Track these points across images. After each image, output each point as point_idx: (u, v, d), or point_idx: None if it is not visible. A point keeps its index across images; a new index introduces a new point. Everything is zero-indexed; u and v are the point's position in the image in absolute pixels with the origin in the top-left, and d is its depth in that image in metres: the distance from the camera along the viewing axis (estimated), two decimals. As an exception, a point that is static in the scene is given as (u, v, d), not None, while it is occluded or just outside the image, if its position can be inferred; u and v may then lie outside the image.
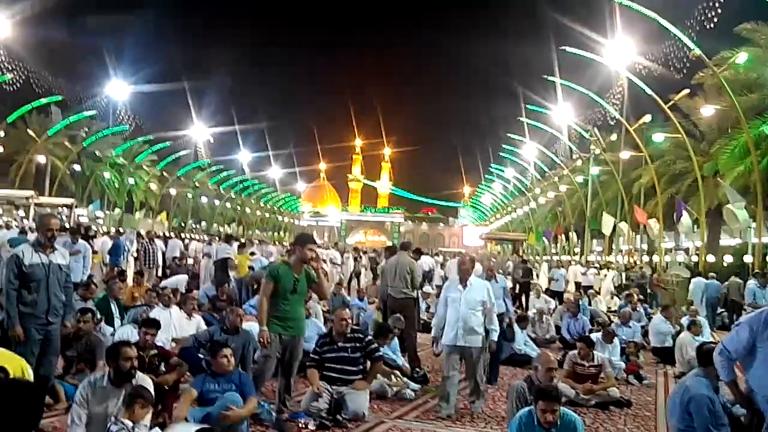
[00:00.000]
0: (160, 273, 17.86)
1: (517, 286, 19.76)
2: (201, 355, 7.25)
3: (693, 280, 19.64)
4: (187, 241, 26.39)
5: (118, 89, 43.74)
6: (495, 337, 7.46)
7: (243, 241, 22.64)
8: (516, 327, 11.11)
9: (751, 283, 16.40)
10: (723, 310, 18.28)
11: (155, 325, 6.85)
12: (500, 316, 8.73)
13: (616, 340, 10.36)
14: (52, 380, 6.25)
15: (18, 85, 35.47)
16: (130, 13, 71.51)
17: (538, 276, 24.74)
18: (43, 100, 38.37)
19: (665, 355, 11.64)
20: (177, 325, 8.89)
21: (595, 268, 26.91)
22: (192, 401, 5.59)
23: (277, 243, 38.04)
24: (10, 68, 34.30)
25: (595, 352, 8.68)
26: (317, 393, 6.58)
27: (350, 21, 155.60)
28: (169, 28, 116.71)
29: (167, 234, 31.30)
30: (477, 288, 7.31)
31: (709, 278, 18.71)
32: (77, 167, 46.35)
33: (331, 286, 16.26)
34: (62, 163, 42.79)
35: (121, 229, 28.02)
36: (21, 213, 29.34)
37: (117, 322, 9.04)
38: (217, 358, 5.80)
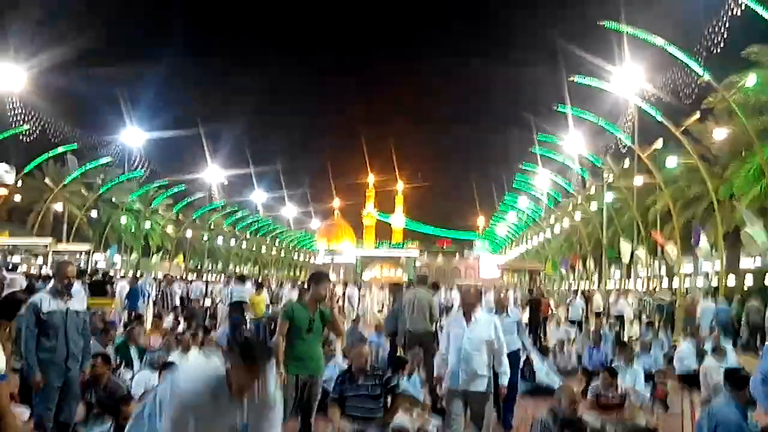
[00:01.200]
0: (179, 317, 17.91)
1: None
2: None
3: (702, 304, 19.58)
4: (209, 284, 26.47)
5: (133, 136, 44.27)
6: (506, 381, 6.59)
7: (260, 281, 22.66)
8: (537, 359, 11.01)
9: None
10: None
11: (175, 369, 6.85)
12: (515, 354, 8.24)
13: (639, 367, 10.22)
14: (72, 426, 6.24)
15: (35, 135, 36.02)
16: (145, 61, 72.92)
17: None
18: (60, 149, 38.93)
19: (691, 381, 11.45)
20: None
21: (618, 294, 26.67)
22: None
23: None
24: (26, 119, 34.89)
25: (619, 381, 8.57)
26: (339, 431, 6.52)
27: (360, 57, 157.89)
28: (183, 74, 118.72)
29: (186, 276, 31.45)
30: (483, 325, 6.49)
31: (719, 302, 18.71)
32: (94, 214, 46.81)
33: (348, 323, 16.23)
34: (79, 210, 43.25)
35: (138, 274, 28.17)
36: (39, 260, 29.61)
37: (137, 365, 9.05)
38: None
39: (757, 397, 4.86)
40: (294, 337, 6.30)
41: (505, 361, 6.54)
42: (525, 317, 19.12)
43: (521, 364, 9.30)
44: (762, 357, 5.02)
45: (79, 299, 6.21)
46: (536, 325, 18.86)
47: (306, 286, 6.76)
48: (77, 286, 7.24)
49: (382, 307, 25.44)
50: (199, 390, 3.14)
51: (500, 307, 8.44)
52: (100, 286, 17.33)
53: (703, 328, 16.97)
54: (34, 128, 35.53)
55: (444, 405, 8.97)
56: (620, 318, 20.73)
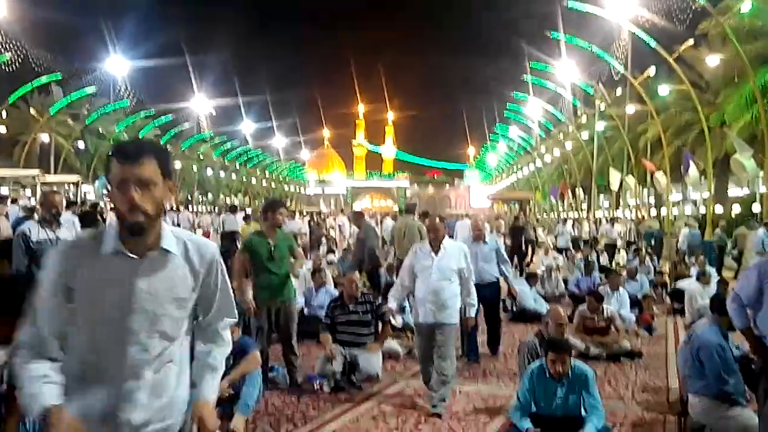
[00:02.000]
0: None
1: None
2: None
3: (683, 230, 20.36)
4: (197, 215, 26.48)
5: (118, 64, 43.43)
6: (473, 312, 6.37)
7: (248, 212, 22.70)
8: (519, 288, 11.19)
9: (761, 231, 16.39)
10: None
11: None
12: (495, 285, 8.20)
13: (624, 292, 10.41)
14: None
15: (17, 64, 35.22)
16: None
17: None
18: (43, 79, 38.14)
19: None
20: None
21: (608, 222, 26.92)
22: None
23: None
24: (7, 48, 34.03)
25: (604, 305, 8.73)
26: (331, 356, 6.65)
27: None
28: (169, 1, 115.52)
29: (176, 207, 31.36)
30: (452, 253, 6.04)
31: (691, 227, 19.62)
32: (81, 145, 46.30)
33: (339, 252, 16.36)
34: (66, 141, 42.73)
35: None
36: (28, 192, 29.42)
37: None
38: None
39: (731, 316, 4.97)
40: (257, 267, 6.38)
41: (473, 290, 6.18)
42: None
43: (503, 294, 9.40)
44: (739, 278, 5.12)
45: (69, 228, 6.20)
46: (518, 252, 19.07)
47: (263, 216, 6.73)
48: (68, 216, 7.24)
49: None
50: None
51: (477, 235, 8.15)
52: (91, 218, 17.25)
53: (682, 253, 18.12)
54: (15, 57, 34.74)
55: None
56: (614, 245, 20.94)
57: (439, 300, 5.92)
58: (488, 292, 7.91)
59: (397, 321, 8.45)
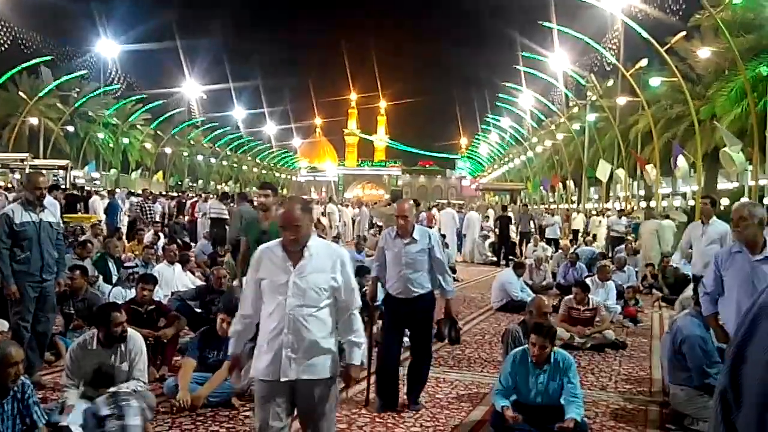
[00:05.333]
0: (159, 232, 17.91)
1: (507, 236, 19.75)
2: (198, 309, 7.35)
3: (646, 222, 19.97)
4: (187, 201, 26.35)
5: (108, 48, 43.16)
6: (449, 295, 5.94)
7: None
8: (513, 275, 11.27)
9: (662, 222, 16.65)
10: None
11: (152, 280, 6.92)
12: (423, 300, 6.46)
13: (611, 284, 10.46)
14: (50, 336, 6.32)
15: (5, 46, 34.96)
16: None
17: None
18: (33, 61, 37.85)
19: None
20: (179, 282, 9.04)
21: (594, 214, 27.02)
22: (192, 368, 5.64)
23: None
24: (-4, 29, 33.76)
25: (590, 296, 8.77)
26: None
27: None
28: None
29: (163, 192, 31.30)
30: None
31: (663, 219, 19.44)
32: (71, 128, 46.00)
33: (329, 240, 16.36)
34: (55, 124, 42.44)
35: (117, 190, 27.95)
36: (17, 176, 29.20)
37: (115, 279, 9.12)
38: (217, 322, 5.85)
39: (701, 303, 5.08)
40: (250, 250, 6.35)
41: (448, 273, 5.83)
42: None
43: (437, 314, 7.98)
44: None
45: (53, 211, 6.15)
46: (504, 242, 19.15)
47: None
48: (50, 199, 7.20)
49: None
50: None
51: (401, 229, 6.33)
52: (72, 201, 17.14)
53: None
54: (5, 39, 34.48)
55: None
56: (622, 238, 20.25)
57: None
58: (413, 310, 5.67)
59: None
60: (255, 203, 6.56)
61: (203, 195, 29.16)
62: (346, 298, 3.56)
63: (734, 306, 4.57)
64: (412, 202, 6.23)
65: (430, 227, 9.03)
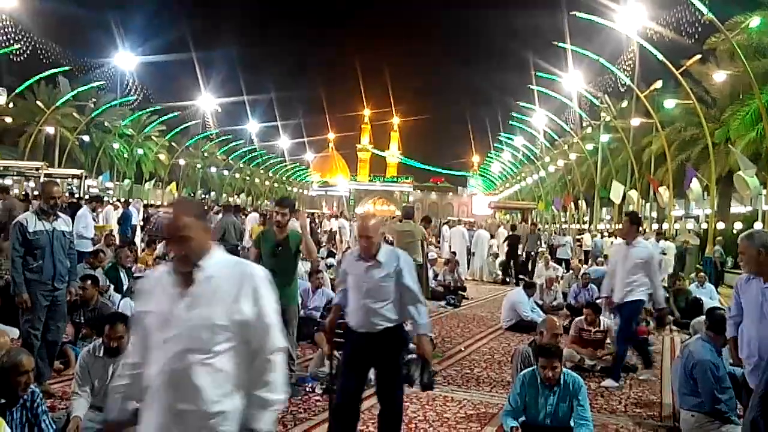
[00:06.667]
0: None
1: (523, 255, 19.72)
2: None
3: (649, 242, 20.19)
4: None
5: (126, 59, 43.57)
6: (422, 330, 4.65)
7: (249, 211, 22.66)
8: (524, 295, 11.22)
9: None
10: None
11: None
12: (389, 335, 4.93)
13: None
14: (60, 345, 6.33)
15: (25, 55, 35.40)
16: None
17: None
18: (51, 71, 38.29)
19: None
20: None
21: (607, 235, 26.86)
22: None
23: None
24: (17, 38, 34.20)
25: (601, 318, 8.70)
26: (328, 355, 6.60)
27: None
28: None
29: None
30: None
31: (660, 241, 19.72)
32: (86, 138, 46.41)
33: (339, 255, 16.36)
34: (71, 134, 42.83)
35: (131, 200, 28.14)
36: (31, 184, 29.45)
37: (126, 288, 9.15)
38: None
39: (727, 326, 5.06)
40: (263, 263, 6.35)
41: (421, 303, 4.64)
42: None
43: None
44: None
45: (66, 220, 6.19)
46: (514, 261, 19.12)
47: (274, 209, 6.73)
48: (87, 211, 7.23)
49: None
50: None
51: (364, 249, 4.93)
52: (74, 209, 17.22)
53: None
54: (25, 48, 34.92)
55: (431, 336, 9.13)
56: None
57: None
58: (378, 347, 4.69)
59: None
60: (270, 218, 6.56)
61: (217, 208, 29.30)
62: (260, 339, 2.53)
63: (745, 330, 4.56)
64: (372, 220, 4.78)
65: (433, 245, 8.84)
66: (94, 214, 12.98)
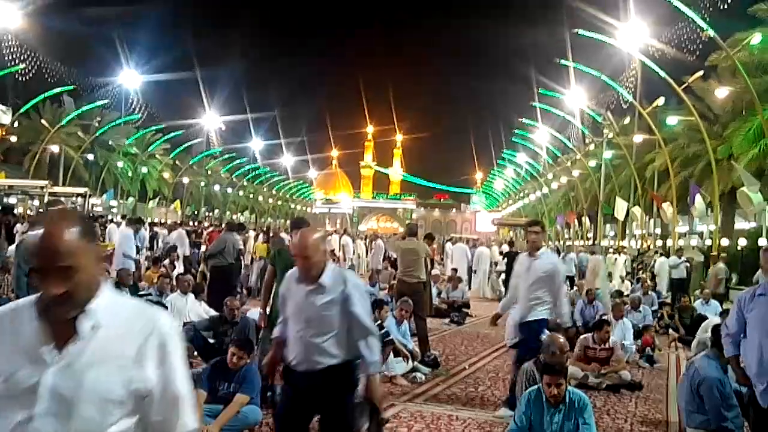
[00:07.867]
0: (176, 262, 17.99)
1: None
2: (210, 340, 7.39)
3: (659, 260, 20.39)
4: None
5: (130, 78, 43.84)
6: (372, 369, 3.82)
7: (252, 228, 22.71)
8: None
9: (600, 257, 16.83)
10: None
11: (162, 308, 6.95)
12: (336, 372, 3.96)
13: (627, 322, 10.37)
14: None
15: (30, 75, 35.63)
16: (143, 1, 71.54)
17: None
18: (56, 90, 38.52)
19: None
20: (192, 312, 9.10)
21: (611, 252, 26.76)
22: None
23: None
24: (22, 58, 34.45)
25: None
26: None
27: (361, 7, 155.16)
28: (181, 16, 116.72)
29: (178, 221, 31.49)
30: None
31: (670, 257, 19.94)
32: (90, 157, 46.60)
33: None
34: (75, 152, 43.00)
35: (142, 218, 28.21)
36: (36, 203, 29.55)
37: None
38: (228, 355, 5.82)
39: (723, 344, 5.02)
40: (277, 280, 6.40)
41: (373, 336, 3.83)
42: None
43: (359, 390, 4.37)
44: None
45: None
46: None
47: (289, 234, 6.83)
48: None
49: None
50: None
51: (304, 270, 3.96)
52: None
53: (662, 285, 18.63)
54: (30, 68, 35.16)
55: (435, 354, 9.13)
56: (680, 281, 19.52)
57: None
58: (320, 389, 3.82)
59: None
60: (275, 236, 6.64)
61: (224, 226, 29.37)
62: (165, 417, 1.80)
63: (756, 349, 4.50)
64: (312, 234, 3.92)
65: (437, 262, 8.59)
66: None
